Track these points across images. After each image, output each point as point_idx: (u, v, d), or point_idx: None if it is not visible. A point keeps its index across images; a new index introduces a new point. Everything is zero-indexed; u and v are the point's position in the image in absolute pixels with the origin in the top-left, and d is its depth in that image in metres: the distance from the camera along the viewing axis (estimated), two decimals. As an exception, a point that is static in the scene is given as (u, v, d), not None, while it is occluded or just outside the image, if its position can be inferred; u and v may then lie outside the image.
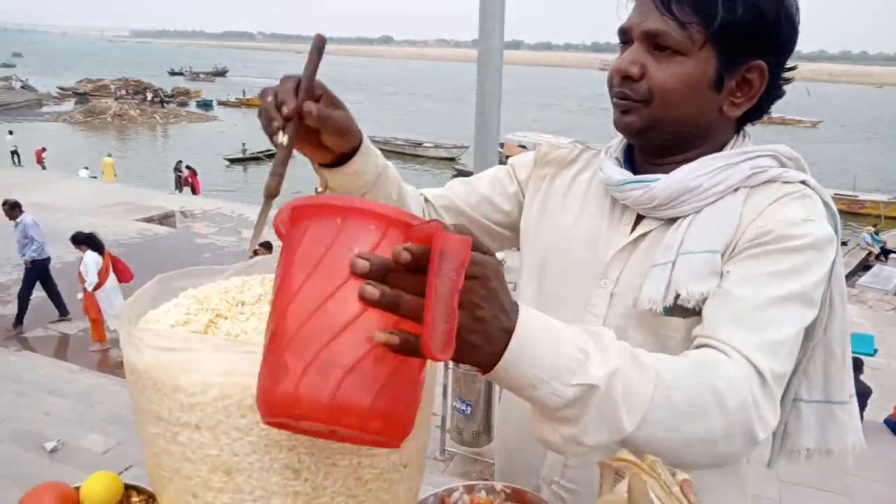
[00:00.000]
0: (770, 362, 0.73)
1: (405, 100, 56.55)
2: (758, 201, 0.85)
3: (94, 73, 54.61)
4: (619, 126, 0.92)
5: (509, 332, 0.58)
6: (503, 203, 1.10)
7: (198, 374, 0.65)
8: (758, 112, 0.91)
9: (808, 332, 0.88)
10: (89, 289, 6.90)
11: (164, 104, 41.30)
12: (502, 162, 1.27)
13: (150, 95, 42.61)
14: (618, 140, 1.00)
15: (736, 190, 0.86)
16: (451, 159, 26.49)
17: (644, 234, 0.92)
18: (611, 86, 0.91)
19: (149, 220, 12.67)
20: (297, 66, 0.82)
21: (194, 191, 18.32)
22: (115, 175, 19.16)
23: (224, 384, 0.64)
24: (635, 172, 0.95)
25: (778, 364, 0.74)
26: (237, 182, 22.66)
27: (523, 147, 20.75)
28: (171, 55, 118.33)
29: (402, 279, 0.49)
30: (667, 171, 0.89)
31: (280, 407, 0.50)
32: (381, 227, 0.50)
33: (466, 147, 25.80)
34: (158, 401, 0.67)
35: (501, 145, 21.69)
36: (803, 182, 0.87)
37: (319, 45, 0.77)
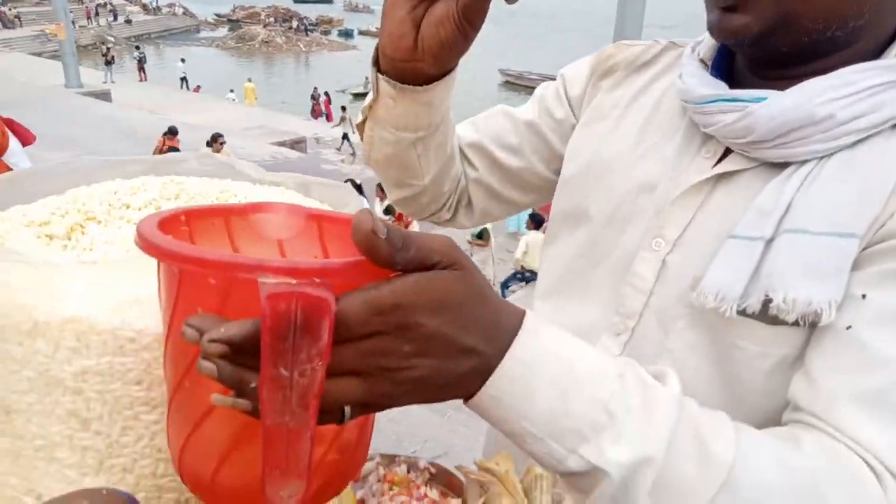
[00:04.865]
0: None
1: (541, 31, 54.26)
2: None
3: (247, 1, 57.38)
4: (720, 31, 0.58)
5: (483, 373, 0.39)
6: (552, 135, 0.79)
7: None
8: None
9: None
10: None
11: (308, 32, 42.71)
12: None
13: (295, 23, 44.26)
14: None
15: (894, 127, 0.53)
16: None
17: (731, 174, 0.59)
18: None
19: (281, 143, 13.25)
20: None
21: (328, 118, 18.92)
22: (257, 99, 20.20)
23: None
24: (733, 84, 0.61)
25: None
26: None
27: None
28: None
29: (247, 359, 0.33)
30: (781, 87, 0.56)
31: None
32: (223, 283, 0.35)
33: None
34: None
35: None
36: None
37: None
